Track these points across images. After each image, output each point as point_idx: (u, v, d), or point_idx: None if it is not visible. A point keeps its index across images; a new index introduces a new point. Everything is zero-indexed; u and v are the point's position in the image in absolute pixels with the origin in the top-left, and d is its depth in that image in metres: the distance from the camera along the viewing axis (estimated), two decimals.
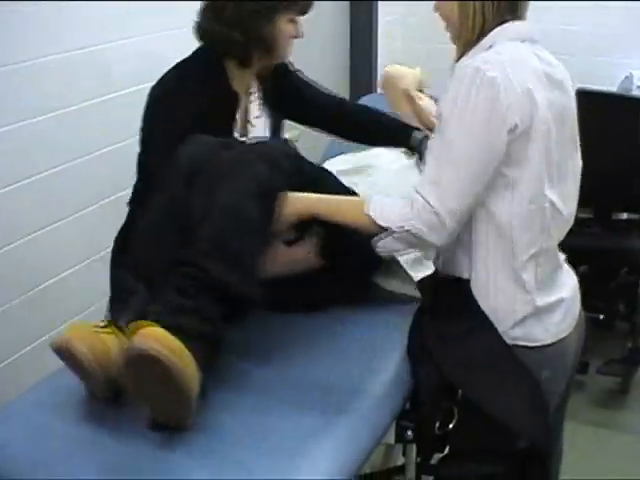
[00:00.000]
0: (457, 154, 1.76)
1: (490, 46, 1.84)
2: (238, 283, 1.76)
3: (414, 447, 2.05)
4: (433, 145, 1.82)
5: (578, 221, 3.76)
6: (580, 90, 3.65)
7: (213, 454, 1.64)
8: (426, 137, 2.46)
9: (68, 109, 2.67)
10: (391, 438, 1.99)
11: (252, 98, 2.36)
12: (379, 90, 2.84)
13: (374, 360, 1.97)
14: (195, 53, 2.27)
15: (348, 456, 1.70)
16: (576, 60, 4.63)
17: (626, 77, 4.31)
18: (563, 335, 1.94)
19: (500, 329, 1.87)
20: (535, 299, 1.88)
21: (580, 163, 1.99)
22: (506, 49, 1.83)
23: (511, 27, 1.87)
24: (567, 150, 1.93)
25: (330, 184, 2.08)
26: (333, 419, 1.75)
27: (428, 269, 2.15)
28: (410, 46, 4.85)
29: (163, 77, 2.21)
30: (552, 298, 1.92)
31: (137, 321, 1.66)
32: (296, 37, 2.27)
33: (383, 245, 1.86)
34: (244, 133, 2.32)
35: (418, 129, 2.49)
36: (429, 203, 1.76)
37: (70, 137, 2.68)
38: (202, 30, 2.22)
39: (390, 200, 1.86)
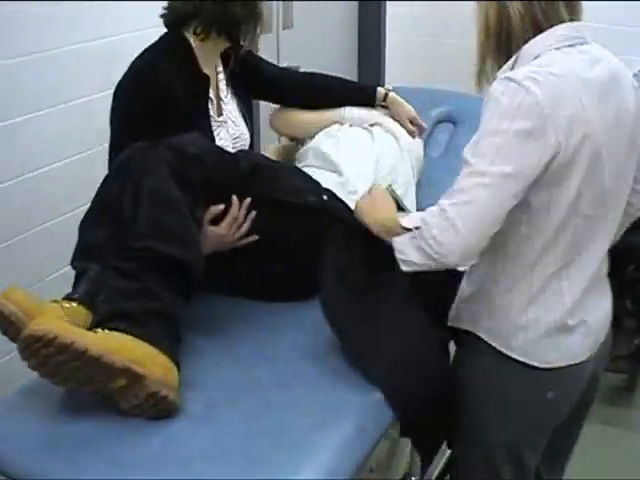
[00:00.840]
0: (492, 173, 1.61)
1: (536, 56, 1.68)
2: (180, 253, 1.85)
3: None
4: (468, 158, 1.65)
5: None
6: None
7: (217, 449, 1.64)
8: (387, 91, 2.61)
9: (81, 99, 2.69)
10: (396, 432, 1.98)
11: (220, 77, 2.39)
12: (387, 84, 2.86)
13: None
14: (161, 40, 2.28)
15: (353, 450, 1.70)
16: None
17: (634, 74, 4.29)
18: (579, 360, 1.82)
19: (508, 345, 1.80)
20: (553, 318, 1.77)
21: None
22: (553, 60, 1.67)
23: (555, 32, 1.70)
24: (624, 154, 1.76)
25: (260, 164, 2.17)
26: (338, 413, 1.75)
27: None
28: (418, 40, 4.84)
29: (132, 65, 2.22)
30: (574, 320, 1.79)
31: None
32: None
33: (400, 247, 1.70)
34: (220, 112, 2.35)
35: (376, 87, 2.65)
36: (448, 216, 1.63)
37: (82, 127, 2.69)
38: (183, 13, 2.23)
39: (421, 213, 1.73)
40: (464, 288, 1.88)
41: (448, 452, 2.64)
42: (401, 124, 2.62)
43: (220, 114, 2.34)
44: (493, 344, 1.81)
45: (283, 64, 3.80)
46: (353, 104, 2.59)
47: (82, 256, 1.97)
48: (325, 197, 2.22)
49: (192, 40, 2.26)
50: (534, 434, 1.91)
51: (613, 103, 1.72)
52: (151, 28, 2.33)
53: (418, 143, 2.68)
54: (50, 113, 2.61)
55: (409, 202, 2.44)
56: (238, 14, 2.21)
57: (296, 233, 2.12)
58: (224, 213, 2.05)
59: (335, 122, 2.57)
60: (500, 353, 1.81)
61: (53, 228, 2.66)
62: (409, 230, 1.70)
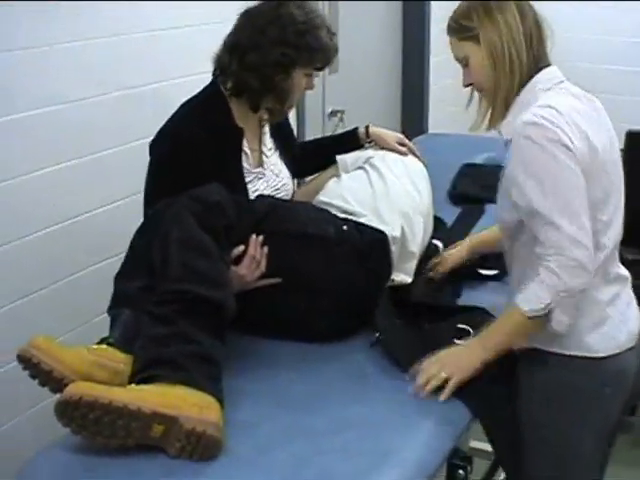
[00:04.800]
0: (562, 205, 1.84)
1: (531, 101, 1.93)
2: (214, 294, 1.91)
3: None
4: (528, 209, 1.88)
5: (630, 262, 3.71)
6: (631, 132, 3.67)
7: None
8: (367, 127, 2.66)
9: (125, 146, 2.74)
10: (441, 477, 1.99)
11: (265, 129, 2.45)
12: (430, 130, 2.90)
13: (422, 399, 1.97)
14: (201, 91, 2.37)
15: None
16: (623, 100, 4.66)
17: None
18: (625, 347, 1.98)
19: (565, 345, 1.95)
20: (597, 311, 1.96)
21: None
22: (550, 99, 1.92)
23: (541, 78, 1.97)
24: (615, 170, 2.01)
25: (284, 211, 2.23)
26: (382, 459, 1.77)
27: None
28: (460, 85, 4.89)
29: (168, 119, 2.31)
30: (611, 310, 1.98)
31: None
32: (308, 89, 2.39)
33: (558, 322, 1.88)
34: (259, 163, 2.40)
35: (356, 129, 2.70)
36: (562, 254, 1.83)
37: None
38: (220, 66, 2.32)
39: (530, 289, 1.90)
40: None
41: None
42: (390, 149, 2.63)
43: (259, 166, 2.39)
44: (552, 350, 1.97)
45: (328, 108, 3.88)
46: (345, 154, 2.61)
47: (116, 304, 2.05)
48: (345, 227, 2.25)
49: (228, 94, 2.33)
50: (594, 437, 2.02)
51: (603, 127, 2.00)
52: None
53: (413, 159, 2.67)
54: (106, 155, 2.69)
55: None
56: (254, 87, 2.27)
57: (320, 264, 2.16)
58: (244, 254, 2.10)
59: (333, 176, 2.56)
60: (557, 355, 1.97)
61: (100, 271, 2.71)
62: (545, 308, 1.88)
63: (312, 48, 2.27)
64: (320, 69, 2.38)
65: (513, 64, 1.95)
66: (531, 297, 1.88)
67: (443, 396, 1.92)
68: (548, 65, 2.00)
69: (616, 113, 4.60)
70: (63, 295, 2.64)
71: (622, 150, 3.64)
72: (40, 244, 2.53)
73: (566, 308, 1.86)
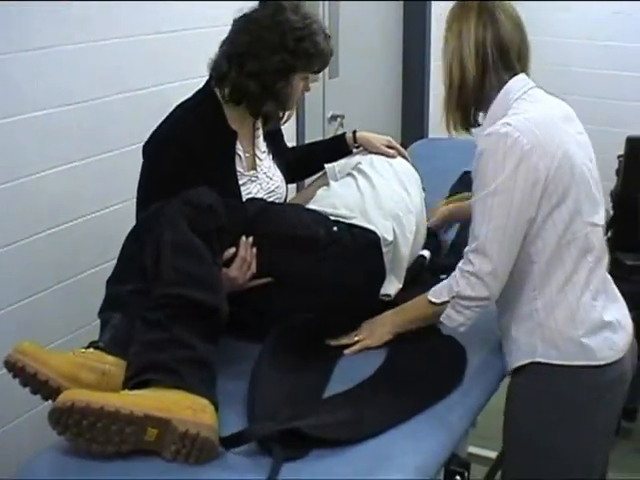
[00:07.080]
0: (498, 224, 1.89)
1: (505, 112, 1.92)
2: (208, 298, 1.92)
3: None
4: (474, 218, 1.95)
5: (630, 268, 3.74)
6: (631, 138, 3.68)
7: None
8: (354, 132, 2.65)
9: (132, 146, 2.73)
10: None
11: (258, 132, 2.45)
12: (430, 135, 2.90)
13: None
14: (194, 95, 2.37)
15: None
16: (628, 105, 4.67)
17: None
18: (622, 353, 1.99)
19: (568, 355, 1.95)
20: (596, 319, 1.96)
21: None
22: (522, 108, 1.92)
23: (512, 86, 1.96)
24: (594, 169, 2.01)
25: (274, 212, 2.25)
26: (382, 464, 1.77)
27: None
28: None
29: (161, 123, 2.31)
30: (609, 317, 1.98)
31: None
32: (305, 91, 2.42)
33: (447, 317, 1.99)
34: (252, 166, 2.41)
35: (344, 134, 2.70)
36: (469, 271, 1.93)
37: None
38: (217, 73, 2.32)
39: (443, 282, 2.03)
40: (510, 329, 2.04)
41: None
42: (378, 152, 2.61)
43: (252, 169, 2.40)
44: (553, 362, 1.96)
45: (328, 112, 3.89)
46: (334, 160, 2.60)
47: (107, 308, 2.05)
48: (335, 228, 2.25)
49: (221, 97, 2.33)
50: (601, 443, 2.05)
51: (572, 129, 1.98)
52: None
53: (402, 161, 2.65)
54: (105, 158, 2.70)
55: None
56: (255, 93, 2.28)
57: (311, 264, 2.17)
58: (234, 256, 2.11)
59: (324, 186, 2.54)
60: (561, 367, 1.96)
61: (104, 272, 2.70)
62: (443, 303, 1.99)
63: (310, 54, 2.30)
64: (317, 72, 2.42)
65: (464, 79, 1.97)
66: (437, 290, 2.00)
67: (347, 351, 2.13)
68: (516, 74, 1.98)
69: (616, 119, 4.67)
70: (67, 297, 2.63)
71: (622, 156, 3.70)
72: (44, 245, 2.53)
73: (456, 310, 1.96)
